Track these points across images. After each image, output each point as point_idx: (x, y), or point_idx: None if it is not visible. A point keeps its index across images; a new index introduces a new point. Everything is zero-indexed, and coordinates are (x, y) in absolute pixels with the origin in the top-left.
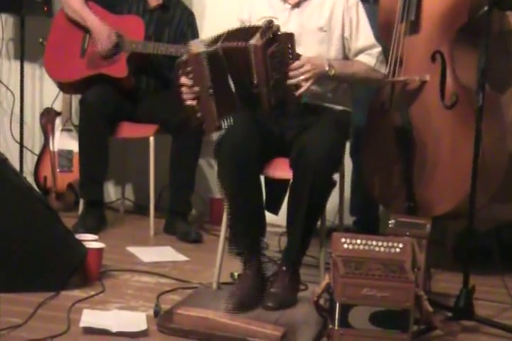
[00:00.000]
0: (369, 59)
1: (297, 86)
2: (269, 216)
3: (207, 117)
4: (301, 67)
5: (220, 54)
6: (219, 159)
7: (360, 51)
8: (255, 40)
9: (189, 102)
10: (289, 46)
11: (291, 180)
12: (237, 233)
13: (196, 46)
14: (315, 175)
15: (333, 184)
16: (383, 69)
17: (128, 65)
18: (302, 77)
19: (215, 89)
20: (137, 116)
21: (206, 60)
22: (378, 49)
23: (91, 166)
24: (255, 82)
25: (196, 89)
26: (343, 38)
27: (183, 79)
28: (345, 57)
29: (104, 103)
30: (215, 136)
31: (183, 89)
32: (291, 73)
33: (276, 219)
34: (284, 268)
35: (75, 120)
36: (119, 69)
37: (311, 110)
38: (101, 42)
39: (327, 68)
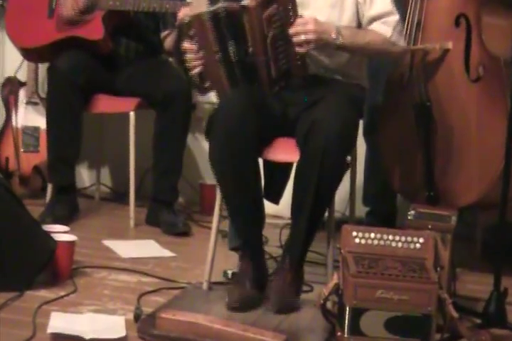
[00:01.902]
0: (385, 28)
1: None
2: (268, 206)
3: (216, 85)
4: (304, 24)
5: (220, 15)
6: (211, 139)
7: (375, 19)
8: (248, 0)
9: (196, 70)
10: (290, 7)
11: (295, 164)
12: (233, 224)
13: (198, 3)
14: (325, 158)
15: (345, 168)
16: (402, 42)
17: (104, 26)
18: (303, 37)
19: (221, 55)
20: (115, 87)
21: (210, 21)
22: (395, 17)
23: (61, 146)
24: (250, 49)
25: (202, 54)
26: (357, 1)
27: (187, 45)
28: (360, 26)
29: (77, 71)
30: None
31: (188, 55)
32: (291, 30)
33: (277, 210)
34: (286, 265)
35: (43, 91)
36: (93, 31)
37: (319, 83)
38: (65, 7)
39: (334, 36)
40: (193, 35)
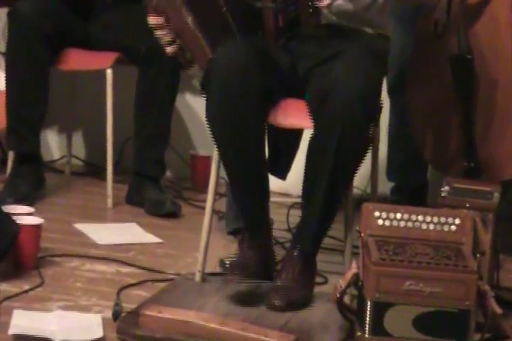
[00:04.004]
0: None
1: None
2: (272, 182)
3: (198, 54)
4: None
5: None
6: (206, 101)
7: None
8: None
9: (170, 47)
10: None
11: (310, 131)
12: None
13: None
14: (345, 125)
15: (369, 138)
16: None
17: None
18: None
19: (196, 16)
20: (90, 39)
21: None
22: None
23: (23, 106)
24: None
25: (172, 27)
26: None
27: (152, 19)
28: None
29: (43, 16)
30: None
31: (157, 32)
32: None
33: (283, 186)
34: (296, 253)
35: (3, 41)
36: None
37: (335, 33)
38: None
39: None
40: (156, 5)
